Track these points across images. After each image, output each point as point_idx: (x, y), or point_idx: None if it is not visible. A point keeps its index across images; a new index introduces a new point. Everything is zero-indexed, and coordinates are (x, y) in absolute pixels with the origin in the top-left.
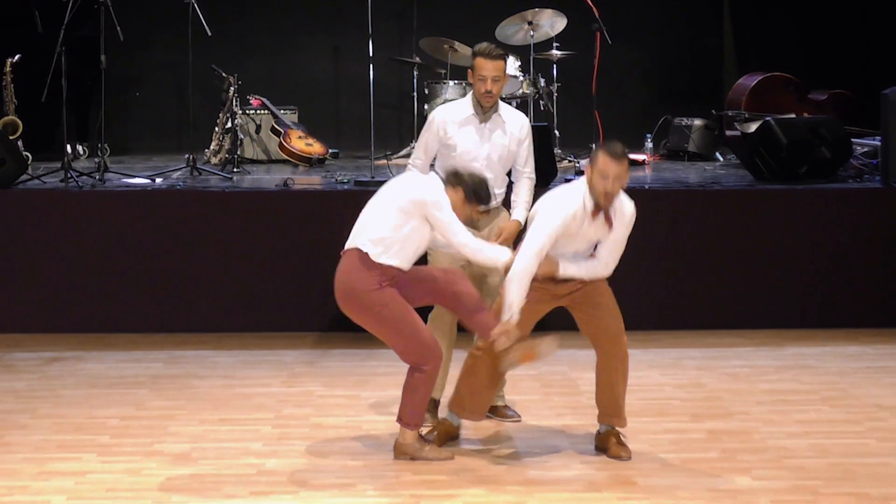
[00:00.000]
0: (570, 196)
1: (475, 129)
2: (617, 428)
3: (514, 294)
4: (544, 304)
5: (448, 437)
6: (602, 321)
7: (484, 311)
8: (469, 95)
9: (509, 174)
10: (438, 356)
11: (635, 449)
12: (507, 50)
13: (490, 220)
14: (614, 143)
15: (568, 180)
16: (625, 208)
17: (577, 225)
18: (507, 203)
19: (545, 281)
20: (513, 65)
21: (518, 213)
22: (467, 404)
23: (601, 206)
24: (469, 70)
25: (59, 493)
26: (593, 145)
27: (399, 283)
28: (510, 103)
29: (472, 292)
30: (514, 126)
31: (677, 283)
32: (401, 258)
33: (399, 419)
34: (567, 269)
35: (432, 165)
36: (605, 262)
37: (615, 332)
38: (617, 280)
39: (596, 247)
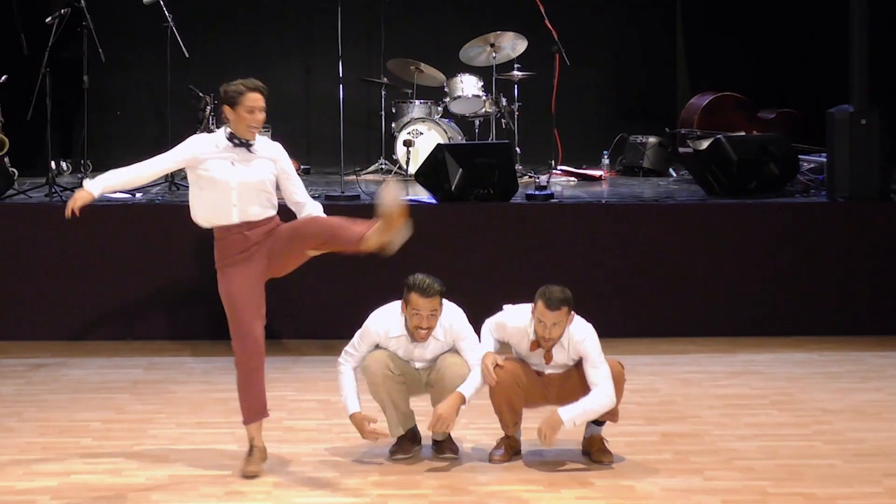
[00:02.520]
0: (519, 315)
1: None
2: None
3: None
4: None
5: (514, 451)
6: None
7: (349, 226)
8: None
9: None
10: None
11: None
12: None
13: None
14: (552, 290)
15: (530, 196)
16: (575, 338)
17: (519, 339)
18: None
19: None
20: (476, 85)
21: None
22: (509, 420)
23: (541, 345)
24: (403, 301)
25: (43, 493)
26: (552, 161)
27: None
28: (473, 122)
29: (330, 221)
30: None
31: (633, 293)
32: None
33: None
34: (570, 415)
35: None
36: (603, 387)
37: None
38: (575, 290)
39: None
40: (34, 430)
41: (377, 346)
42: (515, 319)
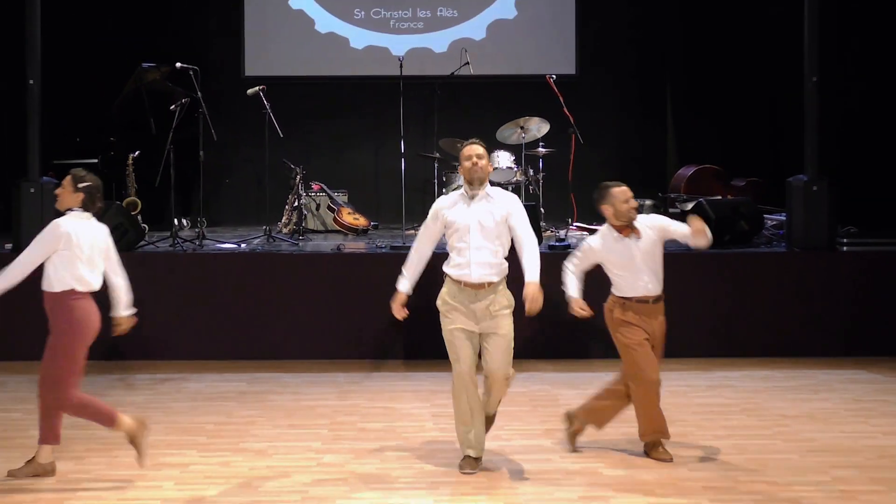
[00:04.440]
0: (592, 237)
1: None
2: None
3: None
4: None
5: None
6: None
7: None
8: (460, 189)
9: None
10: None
11: (596, 448)
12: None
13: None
14: (609, 182)
15: (552, 246)
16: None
17: (608, 245)
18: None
19: (642, 319)
20: (509, 159)
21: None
22: (658, 424)
23: (630, 226)
24: (459, 166)
25: (168, 479)
26: (569, 219)
27: None
28: (506, 188)
29: None
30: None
31: None
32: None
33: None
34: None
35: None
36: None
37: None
38: (594, 320)
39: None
40: (160, 430)
41: (442, 219)
42: (592, 239)
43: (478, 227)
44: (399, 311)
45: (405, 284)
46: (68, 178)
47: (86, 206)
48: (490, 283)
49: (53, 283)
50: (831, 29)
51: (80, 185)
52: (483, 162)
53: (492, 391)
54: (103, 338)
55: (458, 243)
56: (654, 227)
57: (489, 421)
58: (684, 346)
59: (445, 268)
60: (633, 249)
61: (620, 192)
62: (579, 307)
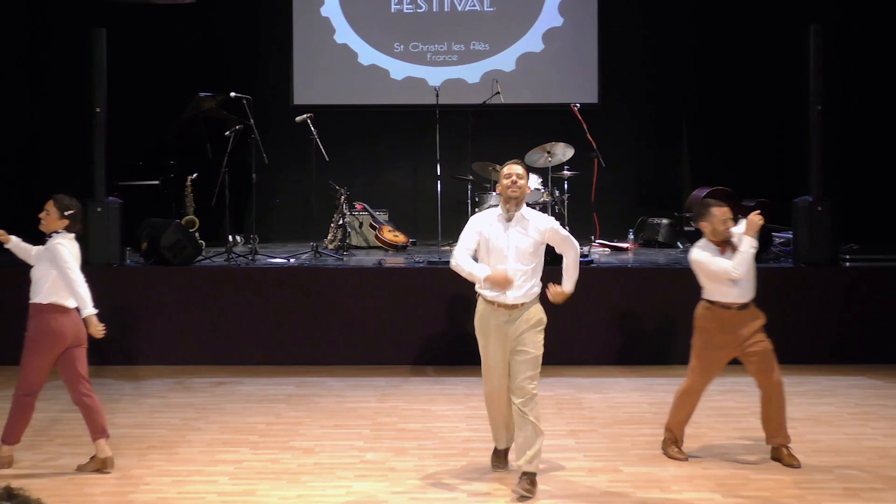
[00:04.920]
0: (698, 249)
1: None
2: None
3: None
4: (727, 352)
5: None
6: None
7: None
8: (497, 208)
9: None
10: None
11: (617, 447)
12: (532, 171)
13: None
14: (710, 198)
15: None
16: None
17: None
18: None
19: (723, 326)
20: (537, 181)
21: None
22: (778, 429)
23: (728, 239)
24: (497, 185)
25: (223, 475)
26: (592, 237)
27: None
28: (534, 208)
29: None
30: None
31: (650, 332)
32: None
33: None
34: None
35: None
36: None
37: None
38: (611, 328)
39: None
40: (216, 429)
41: (478, 235)
42: (696, 252)
43: (514, 250)
44: (510, 279)
45: (482, 268)
46: (52, 203)
47: (69, 229)
48: (523, 304)
49: (51, 295)
50: (833, 59)
51: (66, 213)
52: (522, 182)
53: (517, 410)
54: (165, 343)
55: (496, 265)
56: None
57: (528, 479)
58: None
59: (478, 288)
60: None
61: (721, 212)
62: None
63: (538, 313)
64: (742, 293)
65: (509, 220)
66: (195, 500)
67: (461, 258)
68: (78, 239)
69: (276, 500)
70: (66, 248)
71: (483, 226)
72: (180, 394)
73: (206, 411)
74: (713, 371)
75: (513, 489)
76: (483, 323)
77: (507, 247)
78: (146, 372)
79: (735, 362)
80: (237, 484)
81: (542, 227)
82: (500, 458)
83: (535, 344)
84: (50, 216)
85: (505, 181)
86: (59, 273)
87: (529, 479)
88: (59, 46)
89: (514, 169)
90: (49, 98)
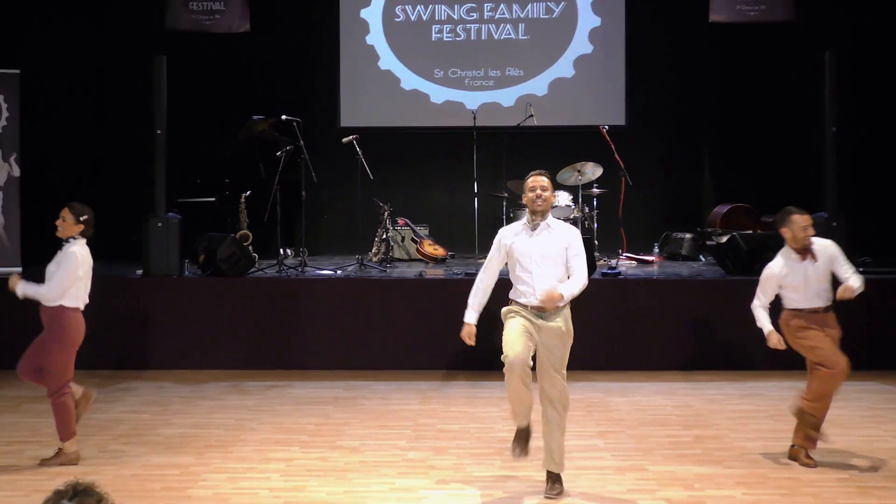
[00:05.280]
0: (772, 264)
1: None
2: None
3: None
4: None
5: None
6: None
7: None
8: (523, 220)
9: None
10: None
11: (643, 448)
12: (563, 188)
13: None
14: (791, 208)
15: (604, 273)
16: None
17: (789, 272)
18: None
19: (820, 325)
20: (567, 198)
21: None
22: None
23: (806, 247)
24: (523, 196)
25: (275, 472)
26: (619, 250)
27: None
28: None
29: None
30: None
31: (674, 338)
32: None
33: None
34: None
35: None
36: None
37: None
38: (636, 333)
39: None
40: (268, 429)
41: (505, 248)
42: (772, 266)
43: (540, 257)
44: (469, 341)
45: (472, 316)
46: (68, 211)
47: (83, 234)
48: (555, 308)
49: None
50: (846, 81)
51: (81, 219)
52: (546, 194)
53: (547, 403)
54: (220, 349)
55: (522, 273)
56: (827, 255)
57: (554, 479)
58: (721, 361)
59: (512, 295)
60: (808, 271)
61: (801, 219)
62: (777, 341)
63: (566, 323)
64: (823, 301)
65: (534, 228)
66: (249, 496)
67: (473, 288)
68: (88, 243)
69: (325, 495)
70: (79, 254)
71: (509, 236)
72: (235, 396)
73: (260, 412)
74: (836, 348)
75: (545, 494)
76: (514, 310)
77: (534, 253)
78: (203, 376)
79: (753, 367)
80: (288, 480)
81: (567, 234)
82: (520, 440)
83: (562, 360)
84: (66, 223)
85: (530, 194)
86: (57, 270)
87: (557, 477)
88: (123, 73)
89: (539, 181)
90: (111, 121)
